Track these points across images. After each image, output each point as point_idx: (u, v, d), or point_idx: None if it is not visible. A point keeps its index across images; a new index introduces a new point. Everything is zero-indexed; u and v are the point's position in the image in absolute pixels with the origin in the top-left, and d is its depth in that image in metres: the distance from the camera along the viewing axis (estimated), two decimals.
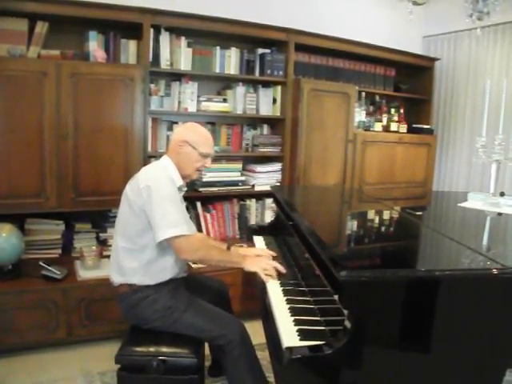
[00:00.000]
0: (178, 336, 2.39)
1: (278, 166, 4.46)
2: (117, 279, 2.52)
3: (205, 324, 2.39)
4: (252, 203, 4.49)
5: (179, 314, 2.41)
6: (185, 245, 2.38)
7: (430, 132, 5.30)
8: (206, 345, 2.70)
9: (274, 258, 2.65)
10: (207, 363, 2.94)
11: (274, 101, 4.43)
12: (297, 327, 1.83)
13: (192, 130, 2.65)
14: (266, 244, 3.03)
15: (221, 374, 2.84)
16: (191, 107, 4.02)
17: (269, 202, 4.44)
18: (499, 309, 1.61)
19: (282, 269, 2.39)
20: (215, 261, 2.52)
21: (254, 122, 4.53)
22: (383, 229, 2.60)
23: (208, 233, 4.17)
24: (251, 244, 3.08)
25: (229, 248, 2.90)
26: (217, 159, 4.05)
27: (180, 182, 2.59)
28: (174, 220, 2.35)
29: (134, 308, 2.46)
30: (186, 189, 2.73)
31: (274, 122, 4.55)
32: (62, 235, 3.72)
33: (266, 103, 4.40)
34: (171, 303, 2.43)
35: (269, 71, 4.28)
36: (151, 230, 2.39)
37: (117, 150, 3.61)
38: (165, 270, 2.49)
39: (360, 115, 4.90)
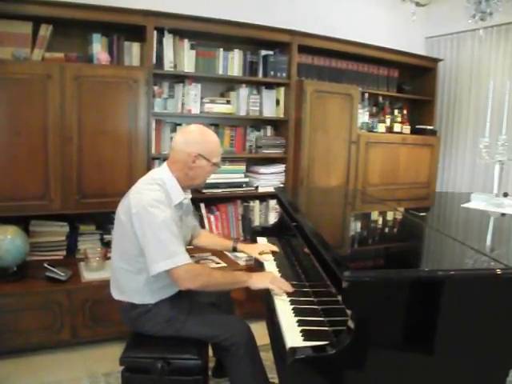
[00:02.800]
0: (181, 338, 2.39)
1: (281, 167, 4.46)
2: (116, 296, 2.48)
3: (208, 330, 2.35)
4: (256, 205, 4.49)
5: (181, 324, 2.36)
6: (183, 273, 2.20)
7: (433, 133, 5.30)
8: (210, 346, 2.70)
9: (275, 254, 2.70)
10: (211, 364, 2.94)
11: (278, 102, 4.44)
12: (300, 328, 1.84)
13: (202, 139, 2.42)
14: None
15: (225, 375, 2.82)
16: (195, 109, 4.03)
17: (272, 203, 4.45)
18: (502, 309, 1.61)
19: (290, 288, 2.25)
20: (220, 284, 2.36)
21: (258, 123, 4.54)
22: (387, 230, 2.60)
23: None
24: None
25: (234, 246, 2.91)
26: (220, 161, 4.06)
27: (180, 197, 2.41)
28: (169, 251, 2.18)
29: (134, 321, 2.43)
30: (190, 196, 2.65)
31: (277, 124, 4.56)
32: (66, 237, 3.73)
33: (270, 105, 4.40)
34: (172, 315, 2.38)
35: (272, 73, 4.29)
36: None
37: (121, 152, 3.62)
38: (165, 288, 2.40)
39: (363, 116, 4.91)
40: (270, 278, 2.33)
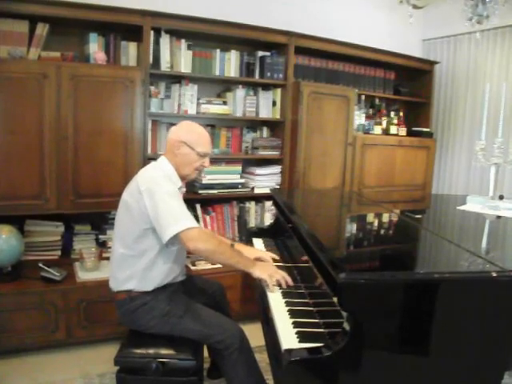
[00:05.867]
0: (176, 338, 2.39)
1: (277, 168, 4.46)
2: (115, 285, 2.50)
3: (203, 329, 2.37)
4: (251, 206, 4.49)
5: (177, 320, 2.38)
6: (196, 234, 2.29)
7: (429, 135, 5.31)
8: (205, 346, 2.69)
9: (276, 261, 2.64)
10: (206, 365, 2.94)
11: (274, 103, 4.43)
12: (296, 329, 1.83)
13: (188, 129, 2.58)
14: (266, 246, 3.04)
15: (220, 376, 2.83)
16: (191, 109, 4.03)
17: (268, 204, 4.44)
18: (498, 311, 1.61)
19: (290, 281, 2.30)
20: (225, 257, 2.38)
21: (254, 124, 4.54)
22: (382, 232, 2.60)
23: None
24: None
25: (232, 245, 2.90)
26: (216, 161, 4.06)
27: (179, 183, 2.54)
28: (181, 215, 2.31)
29: (131, 315, 2.44)
30: (184, 189, 2.69)
31: (273, 125, 4.55)
32: (61, 237, 3.72)
33: (266, 106, 4.40)
34: (168, 309, 2.40)
35: (269, 74, 4.29)
36: (149, 235, 2.37)
37: (116, 152, 3.61)
38: (163, 274, 2.46)
39: (360, 118, 4.91)
40: (272, 271, 2.35)
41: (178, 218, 2.28)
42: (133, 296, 2.43)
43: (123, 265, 2.46)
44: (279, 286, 2.28)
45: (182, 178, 2.58)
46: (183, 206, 2.37)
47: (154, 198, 2.31)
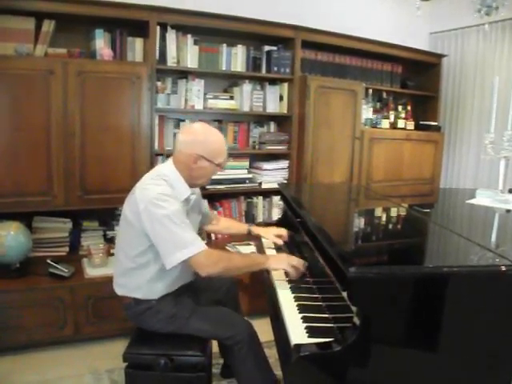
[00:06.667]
0: (184, 334, 2.38)
1: (285, 163, 4.46)
2: (119, 291, 2.47)
3: (211, 327, 2.35)
4: (259, 201, 4.49)
5: (184, 321, 2.36)
6: (204, 260, 2.17)
7: (437, 129, 5.29)
8: (215, 344, 2.69)
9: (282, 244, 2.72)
10: (214, 361, 2.94)
11: (281, 98, 4.42)
12: (305, 324, 1.82)
13: (204, 139, 2.35)
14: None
15: (233, 375, 2.81)
16: (198, 105, 4.02)
17: (276, 199, 4.44)
18: (508, 305, 1.60)
19: (304, 266, 2.29)
20: (240, 268, 2.35)
21: (261, 119, 4.53)
22: (391, 226, 2.59)
23: None
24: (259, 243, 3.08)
25: (249, 229, 2.90)
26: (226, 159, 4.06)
27: (186, 193, 2.38)
28: (183, 240, 2.15)
29: (137, 317, 2.43)
30: (198, 191, 2.63)
31: (280, 120, 4.54)
32: (69, 233, 3.73)
33: (273, 100, 4.39)
34: (174, 311, 2.37)
35: (275, 68, 4.28)
36: (153, 249, 2.26)
37: (123, 148, 3.61)
38: (169, 285, 2.39)
39: (367, 112, 4.90)
40: (287, 259, 2.34)
41: (179, 246, 2.15)
42: (138, 301, 2.40)
43: (126, 275, 2.40)
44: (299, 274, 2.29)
45: (193, 186, 2.46)
46: (185, 228, 2.19)
47: (153, 223, 2.17)
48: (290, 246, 2.78)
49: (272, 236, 2.83)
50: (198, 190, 2.63)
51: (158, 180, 2.29)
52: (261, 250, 2.87)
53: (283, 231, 2.84)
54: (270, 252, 2.75)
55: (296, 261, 2.30)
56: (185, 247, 2.14)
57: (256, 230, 2.94)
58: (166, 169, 2.39)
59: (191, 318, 2.36)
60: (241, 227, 3.05)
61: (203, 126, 2.46)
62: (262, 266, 2.33)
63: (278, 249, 2.83)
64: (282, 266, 2.29)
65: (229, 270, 2.30)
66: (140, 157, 3.66)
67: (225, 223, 3.07)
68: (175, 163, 2.39)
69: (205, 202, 2.96)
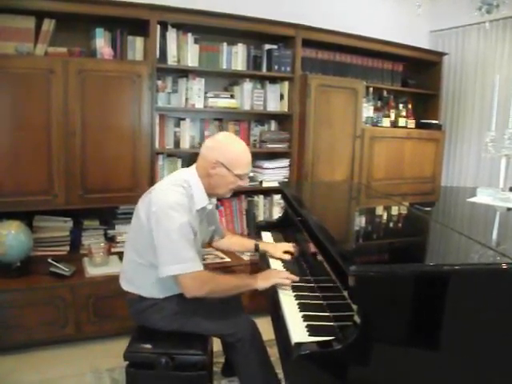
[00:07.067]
0: (185, 333, 2.38)
1: (285, 162, 4.45)
2: (125, 287, 2.47)
3: (214, 325, 2.36)
4: (260, 199, 4.49)
5: (186, 319, 2.36)
6: (190, 282, 2.18)
7: (438, 127, 5.28)
8: (217, 342, 2.68)
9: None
10: (215, 359, 2.94)
11: (282, 97, 4.42)
12: (306, 323, 1.83)
13: (226, 148, 2.33)
14: (274, 240, 3.03)
15: (234, 373, 2.81)
16: (198, 103, 4.02)
17: (277, 198, 4.44)
18: (509, 304, 1.60)
19: (295, 277, 2.28)
20: (226, 290, 2.31)
21: (262, 118, 4.52)
22: (392, 224, 2.59)
23: None
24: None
25: (257, 245, 2.85)
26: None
27: (204, 202, 2.37)
28: (180, 256, 2.16)
29: (141, 314, 2.43)
30: (215, 201, 2.61)
31: (281, 118, 4.54)
32: (70, 232, 3.73)
33: (274, 99, 4.38)
34: (178, 309, 2.37)
35: (276, 67, 4.27)
36: None
37: (124, 147, 3.61)
38: (175, 285, 2.33)
39: (368, 111, 4.89)
40: (275, 274, 2.34)
41: (175, 260, 2.15)
42: (143, 297, 2.40)
43: (134, 271, 2.41)
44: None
45: (211, 195, 2.44)
46: (187, 244, 2.18)
47: (159, 227, 2.18)
48: (299, 260, 2.69)
49: (279, 253, 2.75)
50: (214, 201, 2.61)
51: (177, 187, 2.28)
52: (264, 264, 2.80)
53: (291, 247, 2.75)
54: (277, 266, 2.64)
55: (285, 275, 2.30)
56: (178, 263, 2.15)
57: (263, 246, 2.88)
58: (187, 174, 2.39)
59: (194, 316, 2.37)
60: (248, 244, 2.95)
61: (229, 135, 2.51)
62: (251, 287, 2.32)
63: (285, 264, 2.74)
64: (270, 283, 2.28)
65: (215, 293, 2.28)
66: (140, 156, 3.66)
67: (232, 239, 3.02)
68: (197, 168, 2.39)
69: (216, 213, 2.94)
